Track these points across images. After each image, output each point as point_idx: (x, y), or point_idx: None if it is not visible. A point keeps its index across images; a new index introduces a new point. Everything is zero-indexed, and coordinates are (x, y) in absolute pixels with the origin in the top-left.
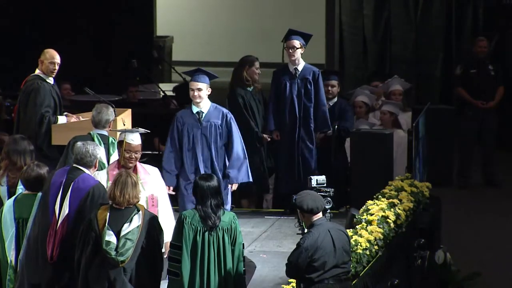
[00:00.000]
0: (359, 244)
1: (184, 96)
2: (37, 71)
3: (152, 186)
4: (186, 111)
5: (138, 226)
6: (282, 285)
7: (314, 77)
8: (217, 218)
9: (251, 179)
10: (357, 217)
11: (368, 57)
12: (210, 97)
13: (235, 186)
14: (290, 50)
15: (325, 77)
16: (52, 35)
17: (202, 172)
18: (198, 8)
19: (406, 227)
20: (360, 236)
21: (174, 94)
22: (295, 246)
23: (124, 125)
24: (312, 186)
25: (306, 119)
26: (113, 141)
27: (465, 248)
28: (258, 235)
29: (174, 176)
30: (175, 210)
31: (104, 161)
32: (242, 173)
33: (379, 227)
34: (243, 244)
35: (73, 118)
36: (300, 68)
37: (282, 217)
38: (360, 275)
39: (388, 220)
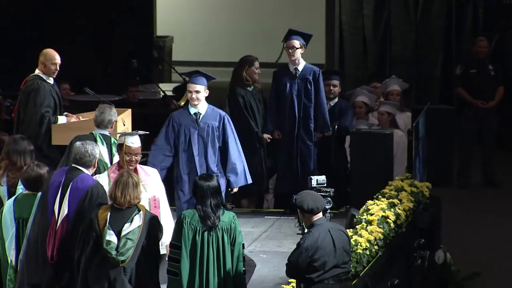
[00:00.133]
0: (359, 244)
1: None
2: (37, 71)
3: (153, 188)
4: (183, 112)
5: (139, 226)
6: (282, 285)
7: (314, 77)
8: (216, 218)
9: (250, 181)
10: (357, 217)
11: (368, 57)
12: (210, 96)
13: (235, 189)
14: (290, 50)
15: (327, 77)
16: (52, 35)
17: (198, 173)
18: (198, 8)
19: (406, 227)
20: (360, 236)
21: (174, 94)
22: (295, 246)
23: (124, 125)
24: (312, 186)
25: (306, 119)
26: (116, 142)
27: (465, 248)
28: (258, 235)
29: None
30: (172, 210)
31: (107, 161)
32: (240, 177)
33: (379, 227)
34: (243, 244)
35: (73, 118)
36: (300, 68)
37: (282, 217)
38: (360, 275)
39: (388, 220)
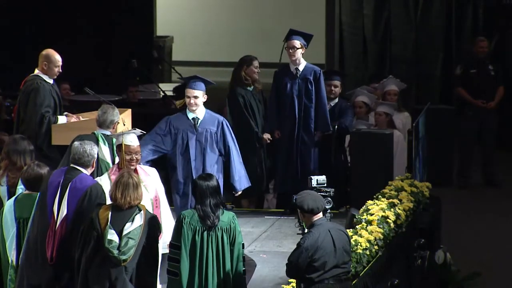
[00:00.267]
0: (359, 244)
1: (184, 97)
2: (37, 71)
3: (153, 188)
4: (181, 116)
5: (140, 226)
6: (282, 285)
7: (315, 76)
8: (216, 218)
9: (249, 184)
10: (357, 217)
11: (368, 57)
12: (211, 96)
13: (239, 193)
14: (291, 50)
15: (328, 77)
16: (52, 35)
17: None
18: (198, 8)
19: (406, 227)
20: (360, 236)
21: (174, 94)
22: (295, 246)
23: (124, 125)
24: (312, 186)
25: (306, 119)
26: None
27: (465, 248)
28: (258, 235)
29: None
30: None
31: (109, 161)
32: (244, 180)
33: (379, 227)
34: (243, 244)
35: (73, 118)
36: (301, 68)
37: (282, 217)
38: (360, 275)
39: (388, 220)
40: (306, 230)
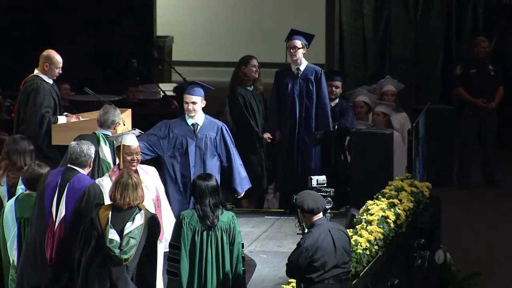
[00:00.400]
0: (359, 244)
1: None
2: (36, 71)
3: (154, 187)
4: (179, 122)
5: (140, 225)
6: (282, 285)
7: (316, 76)
8: (215, 218)
9: (250, 184)
10: (357, 217)
11: (368, 57)
12: (211, 96)
13: (242, 195)
14: (292, 50)
15: (329, 78)
16: (52, 35)
17: None
18: (198, 8)
19: (406, 227)
20: (360, 236)
21: (174, 94)
22: (295, 246)
23: (124, 125)
24: (312, 186)
25: (307, 119)
26: None
27: (465, 248)
28: (258, 235)
29: None
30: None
31: (110, 161)
32: (244, 183)
33: (379, 227)
34: (243, 243)
35: (73, 118)
36: (302, 68)
37: (282, 217)
38: (360, 275)
39: (388, 220)
40: (306, 230)
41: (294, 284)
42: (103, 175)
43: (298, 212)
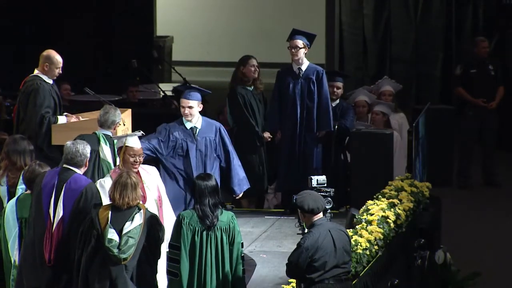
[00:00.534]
0: (359, 244)
1: None
2: (36, 72)
3: (155, 187)
4: (178, 127)
5: (139, 225)
6: (282, 285)
7: (318, 76)
8: (214, 218)
9: (249, 185)
10: (357, 217)
11: (368, 57)
12: (212, 96)
13: (240, 195)
14: (293, 50)
15: (331, 78)
16: (52, 35)
17: None
18: (198, 8)
19: (406, 227)
20: (360, 236)
21: (174, 94)
22: (295, 246)
23: (124, 125)
24: (312, 186)
25: (308, 119)
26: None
27: (465, 248)
28: (258, 235)
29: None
30: None
31: (110, 161)
32: (242, 184)
33: (379, 227)
34: (242, 243)
35: (73, 118)
36: (304, 68)
37: (282, 217)
38: (360, 275)
39: (388, 220)
40: (306, 230)
41: (294, 284)
42: (103, 174)
43: (298, 212)
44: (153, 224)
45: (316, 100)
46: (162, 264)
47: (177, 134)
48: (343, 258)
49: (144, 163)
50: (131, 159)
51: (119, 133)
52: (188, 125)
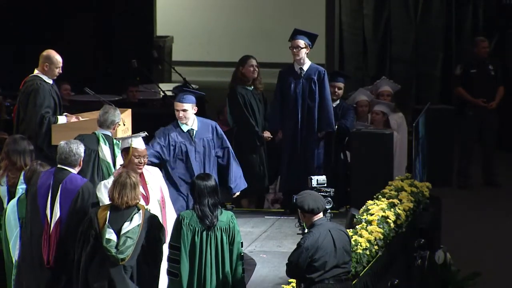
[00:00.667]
0: (359, 244)
1: None
2: (36, 72)
3: (158, 188)
4: (175, 130)
5: (138, 225)
6: (282, 285)
7: (319, 76)
8: (214, 218)
9: (246, 185)
10: (357, 217)
11: (368, 57)
12: (212, 96)
13: (237, 194)
14: (295, 50)
15: (332, 79)
16: (52, 35)
17: None
18: (198, 8)
19: (406, 227)
20: (360, 236)
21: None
22: (295, 246)
23: (124, 125)
24: (312, 186)
25: (310, 119)
26: (117, 142)
27: (465, 248)
28: (258, 235)
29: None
30: None
31: (109, 160)
32: (239, 183)
33: (379, 227)
34: (242, 243)
35: (73, 118)
36: (305, 68)
37: (282, 217)
38: (360, 275)
39: (388, 220)
40: (306, 230)
41: (294, 284)
42: (102, 174)
43: (298, 212)
44: (153, 224)
45: (317, 100)
46: (162, 265)
47: (175, 137)
48: (343, 258)
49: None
50: (136, 160)
51: (119, 133)
52: (185, 128)
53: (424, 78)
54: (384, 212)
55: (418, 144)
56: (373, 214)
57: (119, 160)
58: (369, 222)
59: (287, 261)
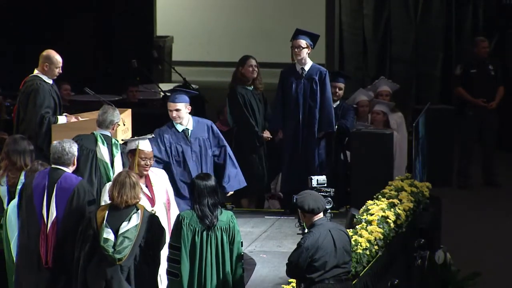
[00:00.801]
0: (359, 244)
1: None
2: (36, 72)
3: (164, 190)
4: (169, 130)
5: (136, 225)
6: (282, 285)
7: (320, 77)
8: (214, 218)
9: (244, 184)
10: (357, 217)
11: (368, 57)
12: (212, 96)
13: (231, 192)
14: (296, 50)
15: (333, 79)
16: (52, 35)
17: None
18: (198, 8)
19: (406, 227)
20: (360, 236)
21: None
22: (295, 246)
23: (124, 125)
24: (313, 186)
25: (310, 119)
26: (116, 142)
27: (465, 248)
28: (258, 235)
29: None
30: None
31: (107, 161)
32: (235, 183)
33: (379, 227)
34: (242, 242)
35: (73, 118)
36: (307, 68)
37: (282, 217)
38: (360, 275)
39: (388, 220)
40: (306, 230)
41: (294, 284)
42: (100, 174)
43: (298, 212)
44: (152, 225)
45: (318, 100)
46: (162, 265)
47: (170, 137)
48: (343, 258)
49: None
50: (142, 162)
51: (119, 133)
52: (180, 128)
53: (424, 78)
54: (384, 212)
55: (418, 144)
56: (373, 214)
57: (117, 160)
58: (369, 222)
59: (287, 261)
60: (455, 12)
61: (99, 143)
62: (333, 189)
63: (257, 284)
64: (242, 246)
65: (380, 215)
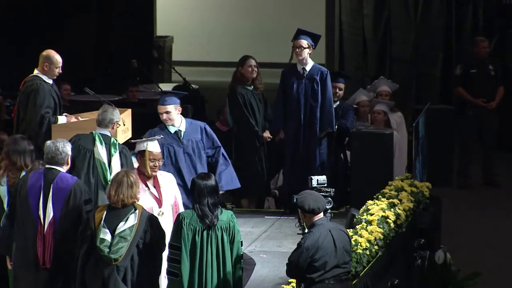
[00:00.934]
0: (359, 244)
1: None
2: (36, 72)
3: (172, 193)
4: (161, 131)
5: (133, 225)
6: (282, 285)
7: (321, 77)
8: (214, 217)
9: (238, 185)
10: (357, 217)
11: (368, 57)
12: (212, 96)
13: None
14: (297, 50)
15: (333, 79)
16: (52, 35)
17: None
18: (198, 8)
19: (406, 227)
20: (360, 236)
21: None
22: (295, 246)
23: (124, 125)
24: (313, 186)
25: (312, 119)
26: (115, 142)
27: (465, 248)
28: (258, 235)
29: None
30: None
31: (105, 160)
32: (227, 184)
33: (379, 227)
34: (241, 242)
35: (73, 118)
36: (308, 68)
37: (282, 217)
38: (360, 275)
39: (388, 220)
40: (306, 230)
41: (294, 284)
42: (97, 174)
43: (298, 212)
44: (152, 225)
45: (319, 100)
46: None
47: (164, 140)
48: (343, 258)
49: None
50: (151, 163)
51: (119, 133)
52: (172, 129)
53: (424, 78)
54: (384, 212)
55: (418, 144)
56: (373, 214)
57: (115, 160)
58: (369, 222)
59: (287, 261)
60: (455, 12)
61: (97, 142)
62: (333, 189)
63: (257, 284)
64: (242, 245)
65: (380, 215)
